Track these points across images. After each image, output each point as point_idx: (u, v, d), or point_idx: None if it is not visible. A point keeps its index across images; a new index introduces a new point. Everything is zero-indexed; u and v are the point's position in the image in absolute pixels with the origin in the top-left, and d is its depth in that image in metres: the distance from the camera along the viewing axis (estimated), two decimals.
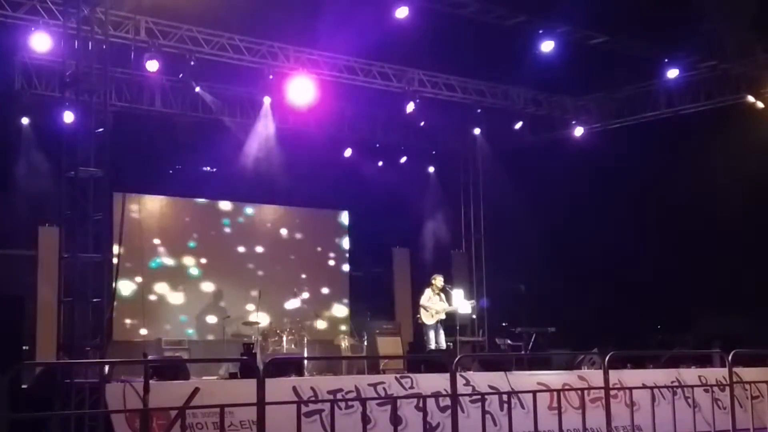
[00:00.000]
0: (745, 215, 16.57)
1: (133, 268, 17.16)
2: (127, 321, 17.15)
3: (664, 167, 17.29)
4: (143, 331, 17.19)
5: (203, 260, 18.41)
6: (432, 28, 14.11)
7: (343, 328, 19.35)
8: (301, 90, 15.96)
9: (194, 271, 18.26)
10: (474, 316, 19.89)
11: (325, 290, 19.84)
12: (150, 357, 12.48)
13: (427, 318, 15.66)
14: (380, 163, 20.34)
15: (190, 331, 17.74)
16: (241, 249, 18.93)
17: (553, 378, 11.71)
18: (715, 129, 16.71)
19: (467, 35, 14.64)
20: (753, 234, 16.63)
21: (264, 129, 17.51)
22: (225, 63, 15.41)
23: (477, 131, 19.47)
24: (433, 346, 15.33)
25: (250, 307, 17.64)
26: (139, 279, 17.44)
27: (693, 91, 17.40)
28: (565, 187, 18.22)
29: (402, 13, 13.66)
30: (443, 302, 15.78)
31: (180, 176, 18.11)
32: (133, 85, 14.95)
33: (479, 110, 18.21)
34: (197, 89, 16.27)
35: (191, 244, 18.38)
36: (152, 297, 17.68)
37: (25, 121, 15.84)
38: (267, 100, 17.12)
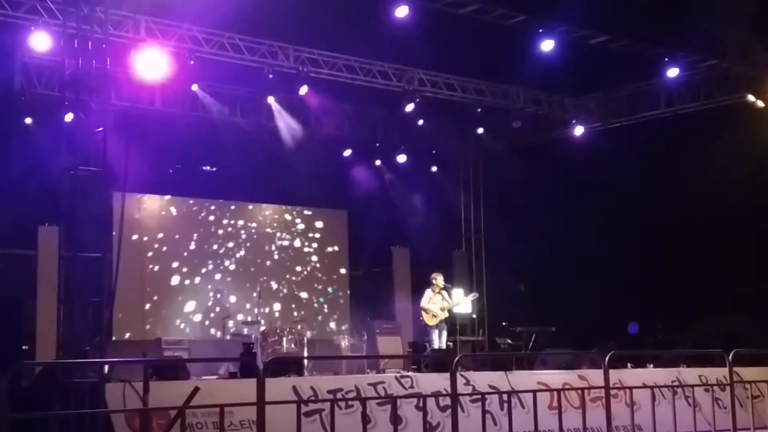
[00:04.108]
0: (746, 214, 16.57)
1: (132, 268, 17.13)
2: (127, 320, 17.13)
3: (664, 166, 17.29)
4: (143, 331, 17.18)
5: (203, 259, 18.40)
6: (432, 28, 14.10)
7: (343, 327, 19.35)
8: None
9: (194, 271, 18.24)
10: (474, 316, 19.88)
11: (325, 289, 19.84)
12: (150, 357, 12.47)
13: (429, 320, 15.59)
14: (380, 163, 20.36)
15: (190, 330, 17.74)
16: (240, 248, 18.93)
17: (554, 377, 11.71)
18: (716, 128, 16.69)
19: (467, 35, 14.63)
20: (753, 233, 16.62)
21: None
22: (225, 62, 15.40)
23: (477, 131, 19.46)
24: (436, 346, 15.30)
25: (250, 306, 17.63)
26: (139, 278, 17.42)
27: (693, 91, 17.40)
28: (565, 186, 18.21)
29: (402, 12, 13.65)
30: (445, 301, 15.73)
31: (180, 176, 18.10)
32: (133, 84, 14.92)
33: (479, 110, 18.20)
34: (194, 88, 16.26)
35: (191, 243, 18.37)
36: (152, 296, 17.67)
37: (24, 120, 15.82)
38: (271, 100, 17.15)
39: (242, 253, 18.94)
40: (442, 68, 17.26)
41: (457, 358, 9.66)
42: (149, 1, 13.45)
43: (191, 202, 18.64)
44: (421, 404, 9.51)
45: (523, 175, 18.68)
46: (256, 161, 17.61)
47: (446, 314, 15.69)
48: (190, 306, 17.99)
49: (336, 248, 20.21)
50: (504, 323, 18.25)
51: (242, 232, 19.08)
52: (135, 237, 17.33)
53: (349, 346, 16.63)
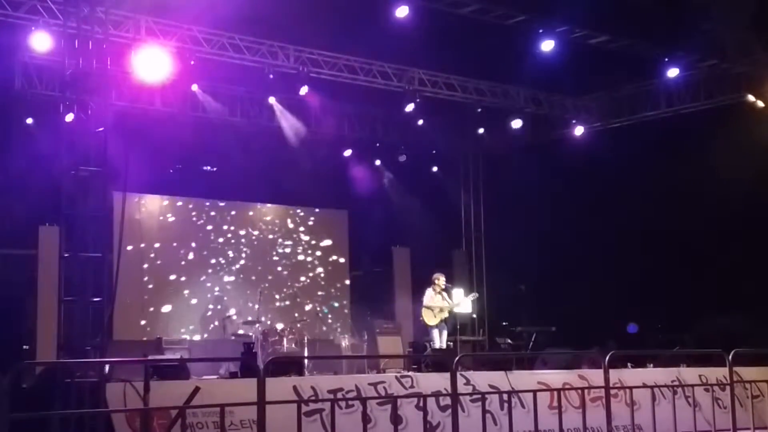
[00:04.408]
0: (746, 214, 16.56)
1: (133, 268, 17.14)
2: (128, 320, 17.12)
3: (664, 166, 17.29)
4: (143, 331, 17.18)
5: (203, 260, 18.40)
6: (432, 28, 14.11)
7: (344, 327, 19.35)
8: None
9: (194, 271, 18.25)
10: (474, 315, 19.88)
11: (325, 290, 19.84)
12: (150, 356, 12.47)
13: (429, 319, 15.62)
14: (380, 163, 20.37)
15: (191, 330, 17.74)
16: (241, 248, 18.93)
17: (554, 377, 11.71)
18: (716, 128, 16.70)
19: (467, 35, 14.64)
20: (753, 233, 16.62)
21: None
22: (225, 62, 15.41)
23: (477, 131, 19.46)
24: (437, 346, 15.33)
25: (251, 306, 17.63)
26: (139, 278, 17.43)
27: (693, 90, 17.40)
28: (566, 186, 18.21)
29: (402, 12, 13.65)
30: (445, 301, 15.75)
31: (180, 176, 18.11)
32: (134, 84, 14.93)
33: (479, 110, 18.20)
34: (194, 88, 16.28)
35: (191, 243, 18.37)
36: (153, 296, 17.67)
37: (25, 120, 15.82)
38: (273, 100, 17.18)
39: (242, 253, 18.94)
40: (443, 68, 17.27)
41: (457, 358, 9.66)
42: (150, 1, 13.46)
43: (192, 202, 18.64)
44: (421, 404, 9.52)
45: (523, 175, 18.68)
46: (257, 161, 17.61)
47: (446, 314, 15.72)
48: (190, 305, 17.99)
49: (336, 248, 20.20)
50: (504, 323, 18.26)
51: (242, 232, 19.08)
52: (135, 237, 17.32)
53: (349, 346, 16.64)
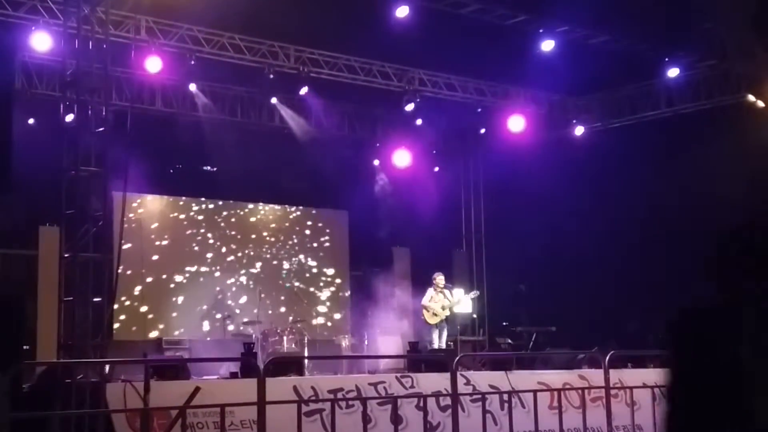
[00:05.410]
0: (746, 214, 16.50)
1: (133, 268, 17.15)
2: (128, 320, 17.13)
3: (664, 166, 17.28)
4: (144, 331, 17.18)
5: (203, 260, 18.40)
6: (432, 28, 14.12)
7: (344, 327, 19.34)
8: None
9: (194, 271, 18.24)
10: (474, 315, 19.88)
11: (325, 289, 19.85)
12: (150, 356, 12.48)
13: (430, 318, 15.65)
14: (380, 163, 20.36)
15: (191, 330, 17.72)
16: (241, 248, 18.92)
17: (554, 377, 11.71)
18: (716, 128, 16.68)
19: (467, 34, 14.65)
20: (753, 233, 16.59)
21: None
22: (225, 62, 15.43)
23: (478, 130, 19.45)
24: (437, 345, 15.34)
25: (251, 306, 17.63)
26: (139, 278, 17.43)
27: (693, 90, 17.39)
28: (566, 186, 18.21)
29: (402, 12, 13.67)
30: (446, 299, 15.77)
31: (180, 176, 18.11)
32: (134, 84, 14.94)
33: (479, 109, 18.20)
34: (192, 87, 16.28)
35: (191, 243, 18.36)
36: (153, 296, 17.66)
37: (25, 120, 15.81)
38: (275, 101, 17.18)
39: (242, 253, 18.93)
40: (442, 68, 17.27)
41: (457, 358, 9.67)
42: (150, 1, 13.47)
43: (192, 202, 18.64)
44: (421, 404, 9.53)
45: (523, 176, 18.67)
46: (257, 161, 17.60)
47: (447, 313, 15.76)
48: (190, 306, 17.97)
49: (336, 248, 20.20)
50: (504, 323, 18.26)
51: (242, 232, 19.07)
52: (135, 237, 17.31)
53: (349, 346, 16.63)
